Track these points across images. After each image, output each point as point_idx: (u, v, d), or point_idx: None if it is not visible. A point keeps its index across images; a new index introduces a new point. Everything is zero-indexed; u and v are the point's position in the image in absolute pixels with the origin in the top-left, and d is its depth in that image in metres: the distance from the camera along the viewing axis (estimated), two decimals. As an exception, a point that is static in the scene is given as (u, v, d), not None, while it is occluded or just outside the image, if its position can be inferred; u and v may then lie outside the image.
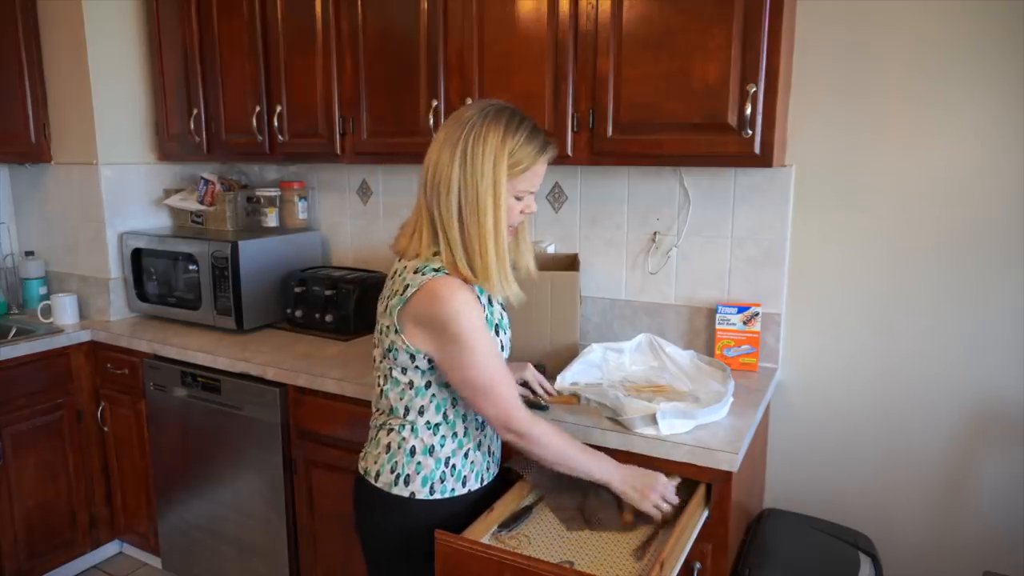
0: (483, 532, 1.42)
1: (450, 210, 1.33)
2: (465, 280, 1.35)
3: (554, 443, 1.41)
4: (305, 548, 2.27)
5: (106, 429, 2.74)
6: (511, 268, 1.40)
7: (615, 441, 1.66)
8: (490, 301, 1.44)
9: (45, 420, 2.60)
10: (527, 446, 1.40)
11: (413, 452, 1.42)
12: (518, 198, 1.38)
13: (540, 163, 1.38)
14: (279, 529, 2.27)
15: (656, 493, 1.44)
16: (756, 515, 2.05)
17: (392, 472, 1.43)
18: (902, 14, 1.84)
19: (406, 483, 1.42)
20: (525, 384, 1.81)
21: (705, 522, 1.59)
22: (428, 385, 1.41)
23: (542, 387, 1.82)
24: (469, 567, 1.26)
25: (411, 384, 1.41)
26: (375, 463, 1.46)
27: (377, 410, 1.50)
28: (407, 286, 1.35)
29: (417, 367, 1.39)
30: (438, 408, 1.42)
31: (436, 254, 1.37)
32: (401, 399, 1.42)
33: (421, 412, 1.42)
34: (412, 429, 1.42)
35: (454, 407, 1.44)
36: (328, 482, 2.15)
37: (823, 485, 2.10)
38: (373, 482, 1.45)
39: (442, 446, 1.43)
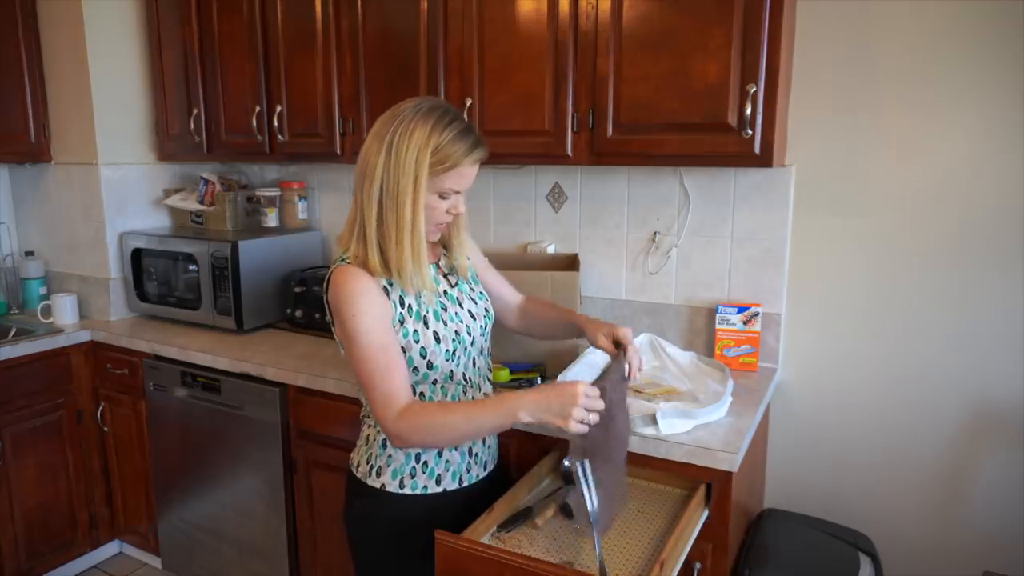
0: (483, 532, 1.42)
1: (371, 200, 1.34)
2: (371, 272, 1.35)
3: (439, 425, 1.29)
4: (305, 548, 2.27)
5: (106, 429, 2.74)
6: (428, 265, 1.40)
7: (615, 441, 1.66)
8: (419, 293, 1.40)
9: (45, 420, 2.60)
10: (411, 443, 1.32)
11: (385, 445, 1.45)
12: (443, 196, 1.38)
13: (467, 164, 1.36)
14: (279, 529, 2.27)
15: (579, 409, 1.20)
16: (756, 515, 2.05)
17: (367, 463, 1.47)
18: (902, 14, 1.84)
19: (378, 475, 1.45)
20: (617, 345, 1.49)
21: (705, 522, 1.59)
22: None
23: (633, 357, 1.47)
24: (469, 567, 1.26)
25: None
26: (357, 454, 1.51)
27: (363, 402, 1.52)
28: (326, 277, 1.40)
29: None
30: None
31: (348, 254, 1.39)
32: (364, 396, 1.43)
33: None
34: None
35: (420, 396, 1.42)
36: (328, 482, 2.15)
37: (823, 485, 2.10)
38: (355, 472, 1.50)
39: None
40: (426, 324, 1.41)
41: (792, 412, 2.12)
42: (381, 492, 1.44)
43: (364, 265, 1.35)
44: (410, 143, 1.32)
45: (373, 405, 1.33)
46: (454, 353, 1.44)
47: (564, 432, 1.22)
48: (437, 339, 1.41)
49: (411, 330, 1.39)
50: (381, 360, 1.32)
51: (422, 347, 1.39)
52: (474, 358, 1.51)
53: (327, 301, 1.40)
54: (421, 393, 1.43)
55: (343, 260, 1.38)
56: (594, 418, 1.23)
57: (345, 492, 1.54)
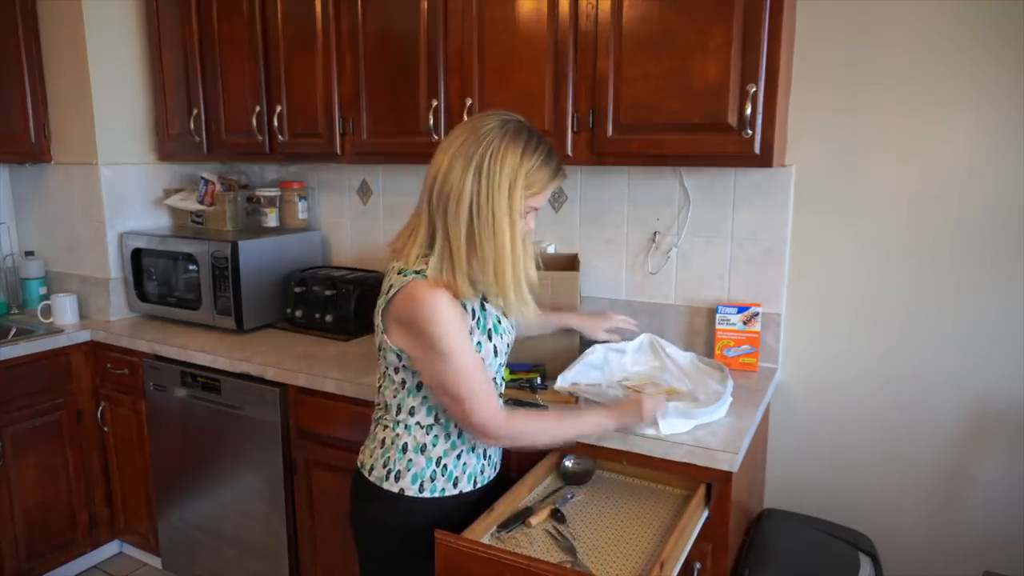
0: (483, 532, 1.42)
1: (458, 223, 1.30)
2: (459, 295, 1.34)
3: (537, 431, 1.44)
4: (305, 548, 2.27)
5: (106, 429, 2.74)
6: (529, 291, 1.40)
7: (615, 441, 1.66)
8: (483, 305, 1.42)
9: (45, 420, 2.60)
10: (513, 445, 1.42)
11: (405, 449, 1.43)
12: (523, 214, 1.37)
13: (552, 187, 1.38)
14: (279, 529, 2.27)
15: (650, 414, 1.55)
16: (756, 515, 2.05)
17: (384, 467, 1.45)
18: (902, 15, 1.84)
19: (396, 479, 1.43)
20: (614, 331, 1.92)
21: (705, 522, 1.59)
22: (419, 386, 1.41)
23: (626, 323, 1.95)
24: (469, 567, 1.26)
25: (403, 383, 1.42)
26: (371, 457, 1.48)
27: (377, 404, 1.51)
28: (391, 286, 1.36)
29: (405, 366, 1.40)
30: (429, 410, 1.42)
31: (425, 257, 1.36)
32: (395, 397, 1.44)
33: (412, 412, 1.43)
34: (405, 427, 1.43)
35: (447, 409, 1.43)
36: (328, 482, 2.15)
37: (823, 485, 2.10)
38: (367, 475, 1.47)
39: (434, 445, 1.43)
40: (489, 337, 1.42)
41: (792, 412, 2.12)
42: (400, 496, 1.43)
43: (451, 287, 1.32)
44: (503, 168, 1.29)
45: (475, 412, 1.34)
46: (500, 368, 1.48)
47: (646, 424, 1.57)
48: (495, 352, 1.43)
49: (475, 340, 1.39)
50: (480, 374, 1.36)
51: (481, 358, 1.40)
52: (501, 364, 1.52)
53: (390, 311, 1.36)
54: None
55: (415, 273, 1.34)
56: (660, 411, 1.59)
57: (352, 494, 1.52)
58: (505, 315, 1.47)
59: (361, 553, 1.53)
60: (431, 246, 1.35)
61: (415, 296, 1.32)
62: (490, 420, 1.36)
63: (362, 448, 1.53)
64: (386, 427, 1.46)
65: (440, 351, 1.32)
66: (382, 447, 1.45)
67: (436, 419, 1.43)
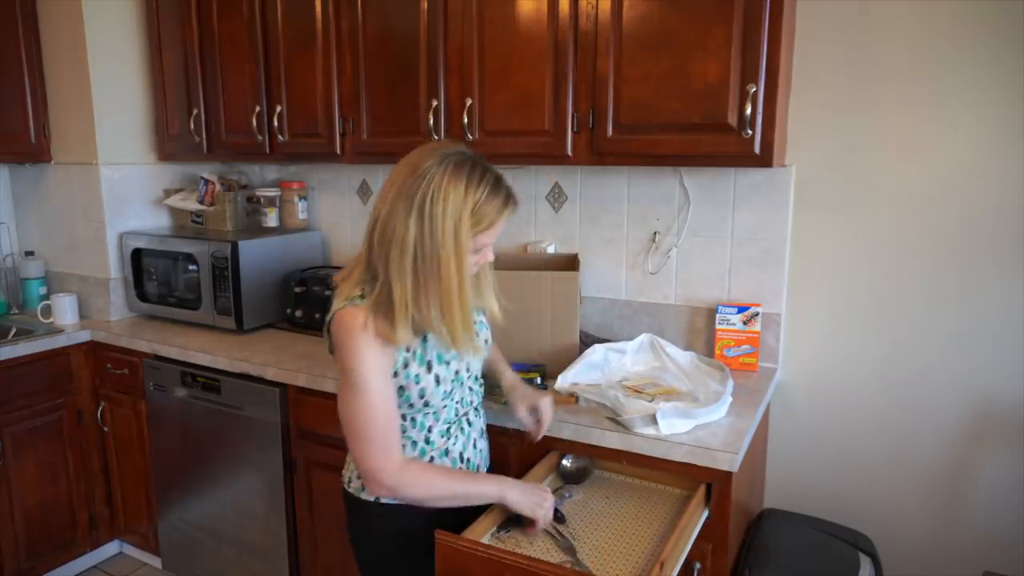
0: (483, 532, 1.42)
1: (403, 269, 1.26)
2: (395, 342, 1.31)
3: (428, 484, 1.35)
4: (305, 548, 2.27)
5: (106, 429, 2.74)
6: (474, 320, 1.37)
7: (615, 441, 1.66)
8: (424, 338, 1.38)
9: (45, 420, 2.60)
10: (399, 495, 1.35)
11: None
12: (475, 251, 1.34)
13: (503, 220, 1.33)
14: (279, 529, 2.27)
15: (543, 510, 1.41)
16: (756, 515, 2.05)
17: (358, 478, 1.45)
18: (902, 14, 1.84)
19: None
20: (534, 412, 1.63)
21: (705, 522, 1.59)
22: None
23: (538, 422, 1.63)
24: (469, 567, 1.26)
25: None
26: (347, 469, 1.49)
27: None
28: (329, 311, 1.36)
29: None
30: None
31: (360, 285, 1.34)
32: None
33: None
34: None
35: (411, 420, 1.42)
36: (328, 482, 2.15)
37: (823, 485, 2.10)
38: (347, 488, 1.48)
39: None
40: (429, 368, 1.39)
41: (792, 412, 2.12)
42: (374, 504, 1.43)
43: (386, 337, 1.29)
44: (446, 208, 1.24)
45: (367, 454, 1.31)
46: (451, 392, 1.44)
47: (531, 516, 1.41)
48: (438, 381, 1.41)
49: (413, 373, 1.37)
50: (385, 413, 1.32)
51: (422, 388, 1.38)
52: (469, 387, 1.51)
53: (329, 335, 1.36)
54: (412, 419, 1.42)
55: (347, 299, 1.32)
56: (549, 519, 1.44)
57: (345, 511, 1.53)
58: (448, 349, 1.41)
59: (358, 564, 1.53)
60: (371, 289, 1.31)
61: (342, 323, 1.31)
62: (378, 460, 1.31)
63: (346, 462, 1.52)
64: None
65: (350, 384, 1.31)
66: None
67: (402, 431, 1.41)
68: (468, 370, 1.49)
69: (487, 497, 1.40)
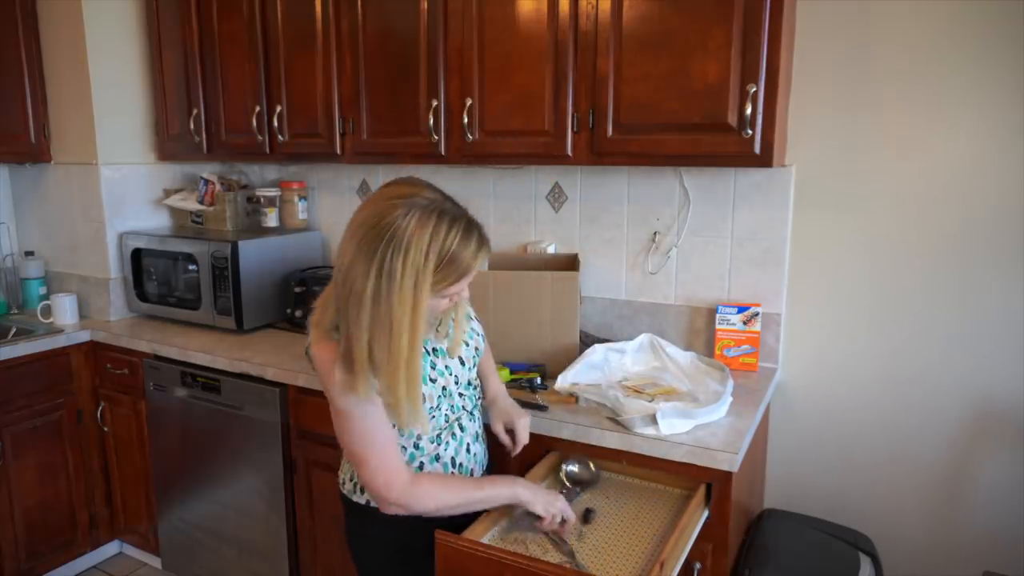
0: (483, 532, 1.42)
1: (359, 327, 1.22)
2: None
3: (440, 496, 1.34)
4: (305, 548, 2.27)
5: (106, 429, 2.73)
6: (422, 400, 1.33)
7: (615, 441, 1.66)
8: None
9: (45, 420, 2.60)
10: (412, 510, 1.34)
11: None
12: (447, 296, 1.30)
13: (476, 265, 1.28)
14: (279, 529, 2.27)
15: (555, 508, 1.41)
16: (756, 515, 2.05)
17: (351, 480, 1.46)
18: (902, 14, 1.84)
19: (361, 491, 1.43)
20: (510, 432, 1.63)
21: (705, 522, 1.59)
22: None
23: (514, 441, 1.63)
24: (469, 567, 1.26)
25: None
26: (342, 471, 1.50)
27: None
28: (309, 338, 1.34)
29: None
30: None
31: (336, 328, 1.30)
32: None
33: None
34: None
35: (398, 429, 1.39)
36: (328, 482, 2.15)
37: (823, 485, 2.10)
38: (342, 489, 1.49)
39: None
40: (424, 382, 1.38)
41: (792, 412, 2.12)
42: (366, 508, 1.43)
43: (351, 389, 1.25)
44: (406, 265, 1.18)
45: (373, 476, 1.31)
46: (439, 406, 1.43)
47: (536, 514, 1.41)
48: (424, 399, 1.38)
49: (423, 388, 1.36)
50: (384, 436, 1.32)
51: (383, 419, 1.35)
52: (459, 393, 1.49)
53: (311, 364, 1.34)
54: (399, 429, 1.40)
55: (329, 336, 1.30)
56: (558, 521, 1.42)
57: (343, 513, 1.53)
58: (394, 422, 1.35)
59: (356, 565, 1.53)
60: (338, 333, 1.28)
61: (318, 359, 1.30)
62: (387, 484, 1.30)
63: (341, 463, 1.53)
64: None
65: (336, 411, 1.31)
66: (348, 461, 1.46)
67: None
68: (457, 382, 1.48)
69: (500, 499, 1.39)
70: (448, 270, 1.24)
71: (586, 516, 1.51)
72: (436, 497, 1.34)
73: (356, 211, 1.28)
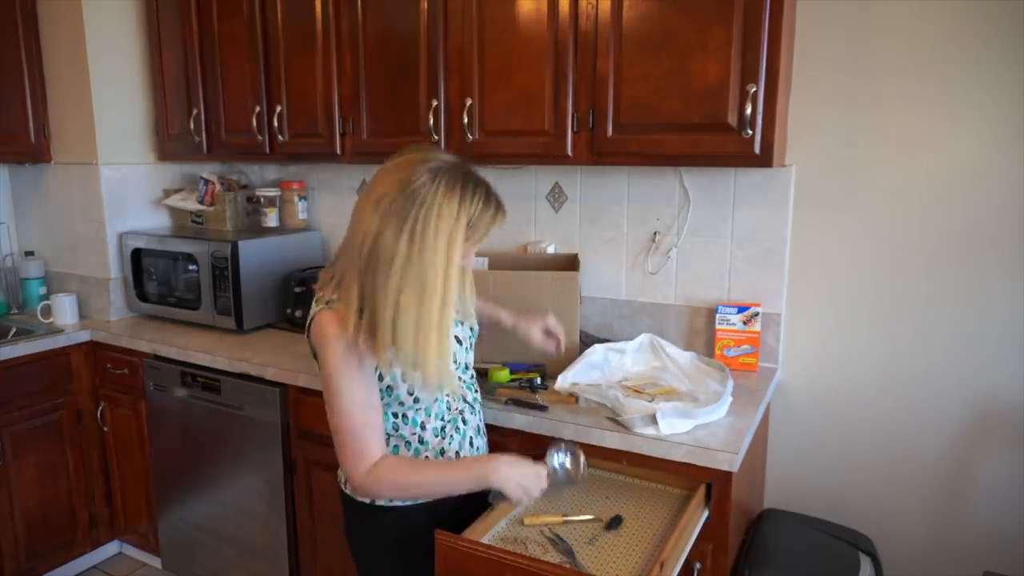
0: (483, 532, 1.42)
1: (388, 291, 1.23)
2: (374, 357, 1.30)
3: (411, 485, 1.34)
4: (305, 548, 2.27)
5: (106, 429, 2.73)
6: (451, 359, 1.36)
7: (615, 441, 1.66)
8: None
9: (45, 420, 2.60)
10: (372, 496, 1.36)
11: None
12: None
13: (494, 229, 1.33)
14: (279, 529, 2.27)
15: (529, 499, 1.37)
16: (756, 515, 2.05)
17: None
18: (902, 15, 1.84)
19: None
20: (548, 333, 1.75)
21: (705, 522, 1.59)
22: None
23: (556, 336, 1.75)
24: (469, 567, 1.26)
25: None
26: (343, 471, 1.47)
27: None
28: (309, 315, 1.35)
29: None
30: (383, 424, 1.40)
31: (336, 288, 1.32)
32: None
33: None
34: None
35: (403, 418, 1.41)
36: (328, 482, 2.15)
37: (823, 485, 2.09)
38: (344, 488, 1.48)
39: (396, 454, 1.41)
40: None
41: (792, 412, 2.12)
42: (371, 507, 1.43)
43: (373, 354, 1.28)
44: (439, 228, 1.23)
45: (343, 456, 1.33)
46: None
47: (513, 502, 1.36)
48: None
49: (399, 373, 1.35)
50: (361, 418, 1.31)
51: (409, 386, 1.37)
52: (459, 377, 1.50)
53: (310, 340, 1.34)
54: (404, 415, 1.41)
55: (327, 303, 1.31)
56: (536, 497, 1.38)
57: (343, 511, 1.53)
58: (417, 391, 1.38)
59: (356, 564, 1.53)
60: (360, 311, 1.28)
61: (320, 326, 1.30)
62: (349, 462, 1.32)
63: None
64: None
65: (328, 387, 1.31)
66: None
67: (395, 429, 1.41)
68: (455, 361, 1.48)
69: (464, 485, 1.34)
70: (474, 230, 1.28)
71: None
72: (391, 482, 1.32)
73: (369, 187, 1.30)
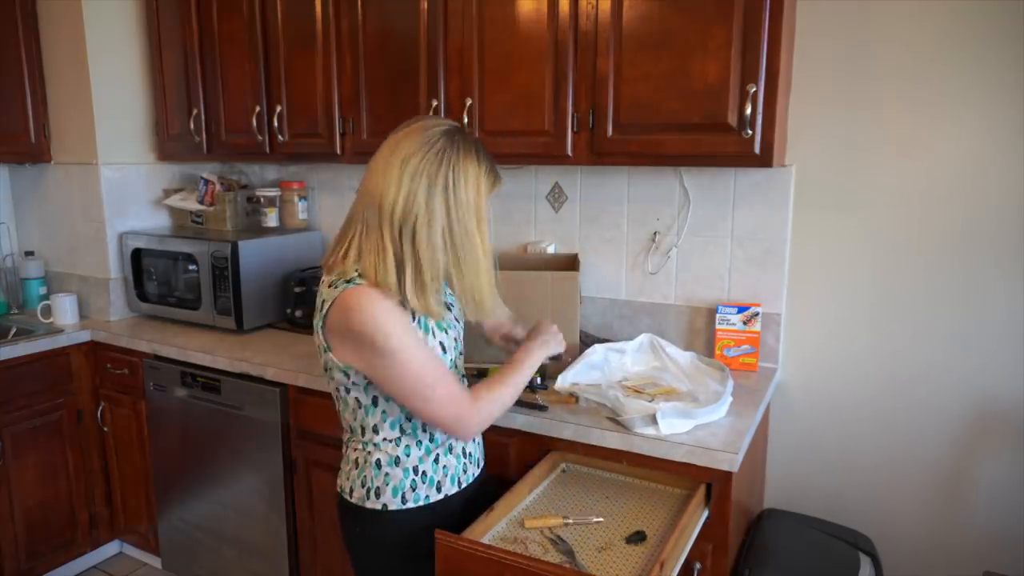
0: (483, 532, 1.42)
1: (433, 246, 1.30)
2: (408, 306, 1.32)
3: (501, 400, 1.43)
4: (305, 548, 2.27)
5: (106, 429, 2.73)
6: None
7: (615, 441, 1.66)
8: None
9: (45, 420, 2.60)
10: (487, 422, 1.42)
11: (379, 465, 1.41)
12: None
13: (496, 190, 1.41)
14: (279, 529, 2.27)
15: (556, 341, 1.59)
16: (756, 515, 2.05)
17: (363, 487, 1.43)
18: (902, 15, 1.84)
19: (377, 496, 1.41)
20: (510, 339, 1.72)
21: (705, 522, 1.59)
22: (376, 402, 1.38)
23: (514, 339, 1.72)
24: (469, 567, 1.26)
25: (359, 403, 1.39)
26: (347, 479, 1.46)
27: (342, 428, 1.50)
28: (323, 301, 1.34)
29: (355, 383, 1.37)
30: (393, 424, 1.40)
31: (357, 263, 1.33)
32: (355, 419, 1.42)
33: (376, 430, 1.40)
34: (375, 445, 1.41)
35: (409, 418, 1.41)
36: (328, 482, 2.14)
37: (823, 485, 2.09)
38: (349, 499, 1.45)
39: (407, 455, 1.41)
40: (433, 334, 1.40)
41: (792, 412, 2.12)
42: (383, 512, 1.41)
43: (422, 310, 1.34)
44: (467, 182, 1.32)
45: (438, 408, 1.33)
46: (455, 362, 1.47)
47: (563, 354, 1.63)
48: (444, 348, 1.41)
49: (433, 340, 1.39)
50: (436, 366, 1.34)
51: (432, 350, 1.38)
52: (456, 361, 1.50)
53: (328, 327, 1.32)
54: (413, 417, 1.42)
55: (347, 282, 1.30)
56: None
57: (340, 520, 1.51)
58: (473, 317, 1.50)
59: (355, 569, 1.52)
60: (399, 272, 1.31)
61: (350, 305, 1.28)
62: (451, 408, 1.34)
63: (338, 473, 1.50)
64: (356, 449, 1.44)
65: (386, 353, 1.28)
66: (357, 468, 1.44)
67: (402, 431, 1.41)
68: (456, 339, 1.50)
69: (528, 374, 1.50)
70: (490, 180, 1.38)
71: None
72: (494, 401, 1.41)
73: (389, 150, 1.37)
